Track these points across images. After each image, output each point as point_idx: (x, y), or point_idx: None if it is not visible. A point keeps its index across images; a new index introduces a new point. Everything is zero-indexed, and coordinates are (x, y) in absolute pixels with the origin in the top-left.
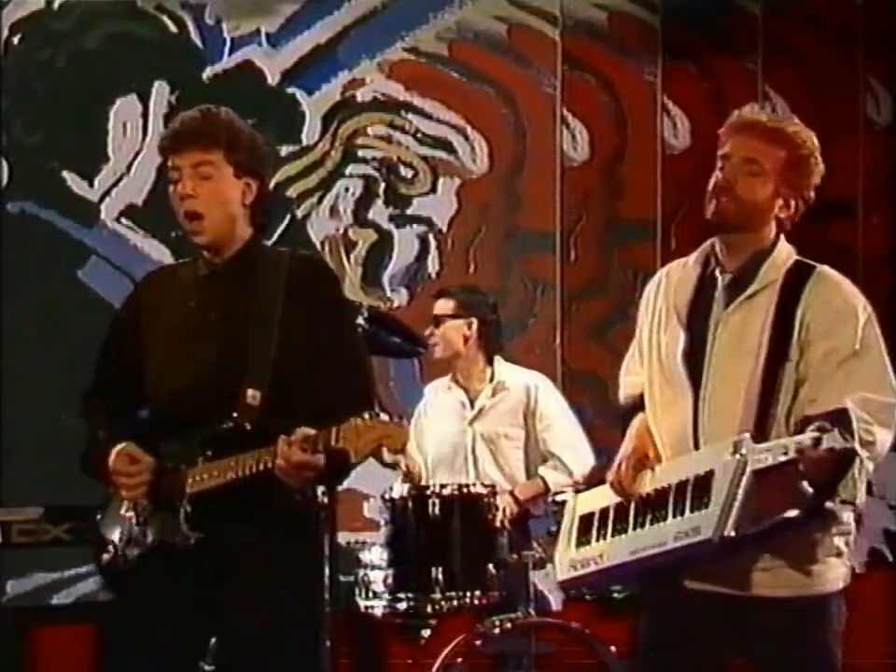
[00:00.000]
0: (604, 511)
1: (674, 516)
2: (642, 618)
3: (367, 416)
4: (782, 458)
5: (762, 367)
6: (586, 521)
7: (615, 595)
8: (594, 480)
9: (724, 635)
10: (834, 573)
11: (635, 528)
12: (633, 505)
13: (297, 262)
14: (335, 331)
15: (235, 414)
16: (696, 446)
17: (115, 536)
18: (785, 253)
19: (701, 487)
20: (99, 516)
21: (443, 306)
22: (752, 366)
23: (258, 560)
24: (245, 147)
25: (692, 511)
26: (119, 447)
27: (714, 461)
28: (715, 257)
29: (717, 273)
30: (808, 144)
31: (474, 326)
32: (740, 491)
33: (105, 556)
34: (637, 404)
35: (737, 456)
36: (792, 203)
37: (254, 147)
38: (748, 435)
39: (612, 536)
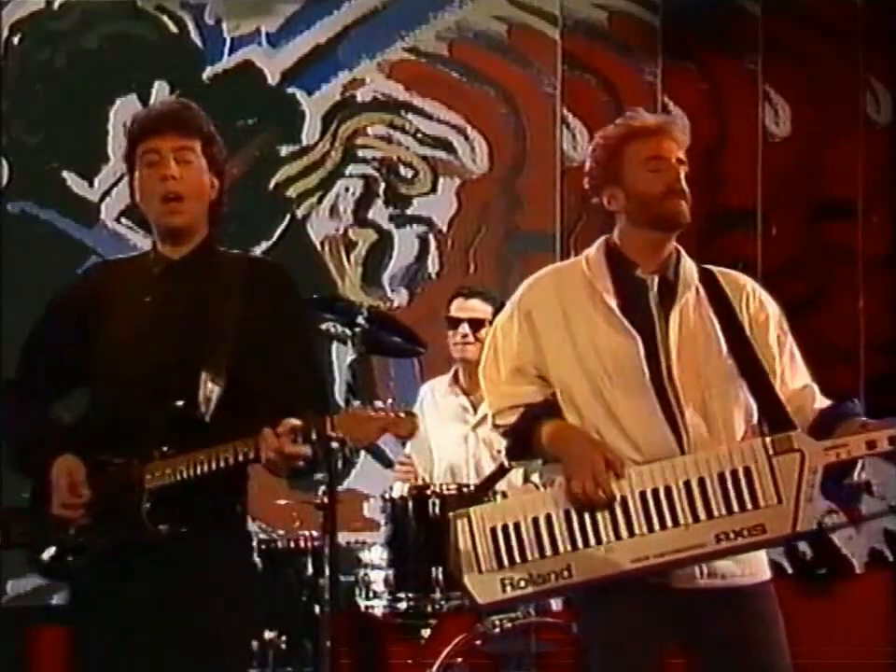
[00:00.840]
0: (538, 522)
1: (708, 517)
2: (596, 619)
3: (364, 405)
4: (867, 452)
5: (733, 360)
6: (505, 535)
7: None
8: None
9: (693, 628)
10: (763, 560)
11: (632, 535)
12: (600, 513)
13: (254, 264)
14: (291, 331)
15: (193, 407)
16: (681, 447)
17: (53, 535)
18: (686, 256)
19: (737, 486)
20: (31, 510)
21: (482, 309)
22: (720, 362)
23: (203, 568)
24: (217, 143)
25: (740, 511)
26: (60, 460)
27: (748, 458)
28: (624, 257)
29: (639, 273)
30: (687, 140)
31: None
32: (813, 487)
33: (46, 556)
34: (541, 410)
35: (796, 452)
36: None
37: (221, 147)
38: (799, 432)
39: (577, 547)
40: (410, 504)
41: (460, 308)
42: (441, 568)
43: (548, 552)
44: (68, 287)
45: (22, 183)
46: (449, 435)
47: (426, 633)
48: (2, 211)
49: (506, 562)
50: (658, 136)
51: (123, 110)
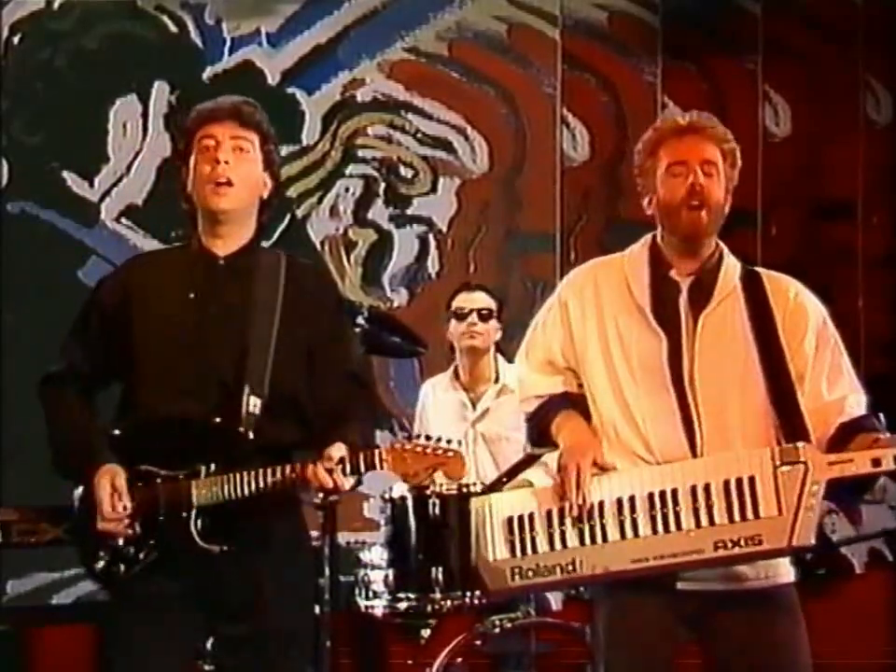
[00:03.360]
0: (551, 515)
1: (709, 523)
2: (610, 617)
3: (415, 441)
4: (872, 469)
5: (760, 369)
6: (520, 526)
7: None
8: None
9: (688, 628)
10: (787, 564)
11: (636, 535)
12: (610, 509)
13: (295, 267)
14: (334, 338)
15: (241, 429)
16: (693, 450)
17: (105, 543)
18: (732, 257)
19: (741, 494)
20: (80, 516)
21: (487, 302)
22: (743, 369)
23: (257, 563)
24: (275, 142)
25: (741, 520)
26: (104, 470)
27: (754, 467)
28: (663, 258)
29: (673, 275)
30: (731, 137)
31: (500, 328)
32: (814, 500)
33: (99, 564)
34: (558, 401)
35: (801, 464)
36: (729, 199)
37: (277, 148)
38: (806, 443)
39: (584, 543)
40: (410, 504)
41: (466, 300)
42: (440, 568)
43: (557, 545)
44: (109, 277)
45: (22, 183)
46: (449, 431)
47: (426, 633)
48: (2, 211)
49: (518, 551)
50: (684, 138)
51: (123, 110)
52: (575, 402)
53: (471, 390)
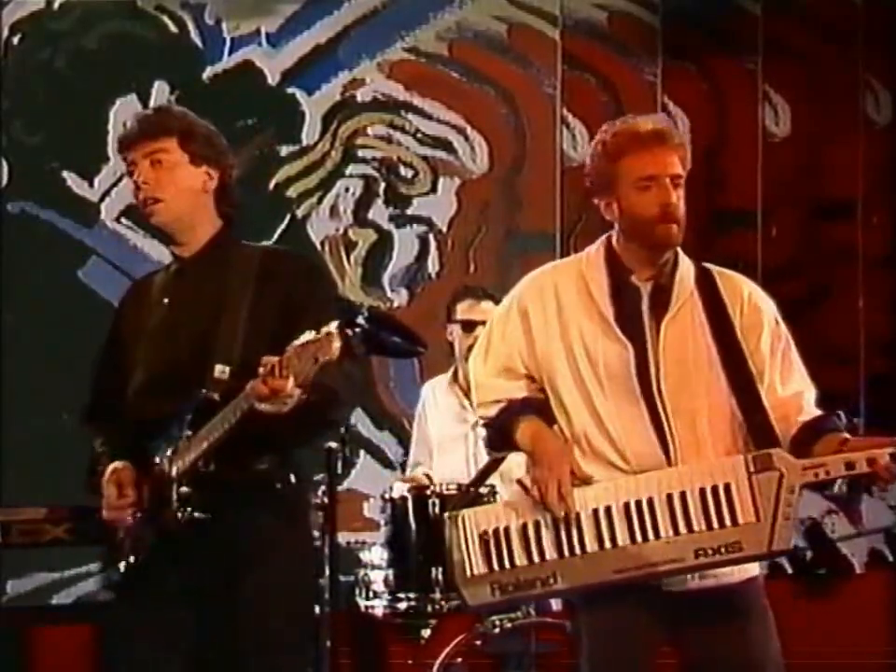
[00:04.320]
0: (527, 528)
1: (688, 531)
2: (589, 619)
3: (303, 338)
4: (846, 473)
5: (724, 370)
6: (496, 539)
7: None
8: None
9: (686, 627)
10: None
11: (615, 546)
12: (587, 520)
13: (271, 255)
14: (307, 309)
15: (204, 391)
16: (668, 457)
17: (124, 545)
18: (685, 256)
19: (717, 502)
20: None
21: (492, 311)
22: (708, 373)
23: (247, 547)
24: (199, 135)
25: (719, 527)
26: (111, 469)
27: (729, 474)
28: (622, 263)
29: (634, 280)
30: (684, 139)
31: None
32: (791, 506)
33: (122, 565)
34: (521, 406)
35: (775, 471)
36: None
37: (209, 137)
38: (779, 450)
39: (563, 555)
40: (410, 504)
41: (474, 310)
42: (440, 568)
43: (535, 558)
44: (116, 308)
45: (22, 183)
46: (449, 433)
47: (426, 633)
48: (2, 211)
49: (495, 566)
50: (652, 149)
51: (123, 110)
52: (538, 408)
53: (470, 392)
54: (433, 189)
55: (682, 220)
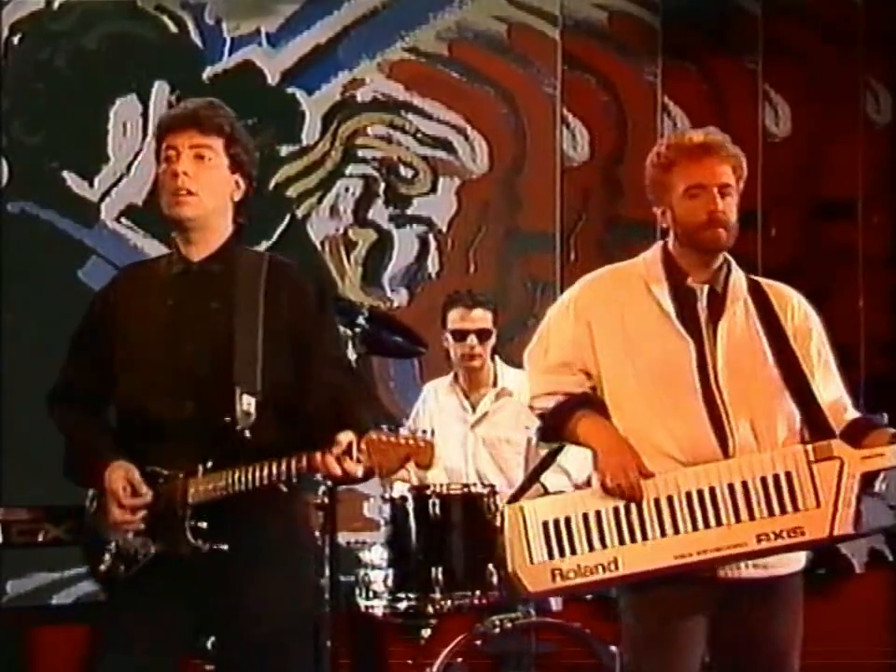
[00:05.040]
0: (588, 518)
1: (749, 518)
2: (636, 604)
3: (387, 431)
4: None
5: (778, 370)
6: (556, 528)
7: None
8: None
9: (726, 614)
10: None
11: (677, 532)
12: (649, 509)
13: (276, 267)
14: (319, 330)
15: (238, 427)
16: (725, 452)
17: (110, 544)
18: (737, 267)
19: (778, 490)
20: (88, 518)
21: (485, 318)
22: (765, 371)
23: (256, 561)
24: (243, 143)
25: (781, 513)
26: (115, 465)
27: (789, 464)
28: (678, 266)
29: (690, 283)
30: (738, 150)
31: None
32: (852, 493)
33: (102, 566)
34: (579, 401)
35: (836, 459)
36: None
37: (249, 147)
38: (838, 440)
39: (625, 542)
40: (410, 504)
41: (465, 319)
42: (440, 568)
43: (596, 545)
44: (100, 291)
45: (22, 183)
46: (449, 435)
47: (426, 633)
48: (2, 211)
49: (556, 554)
50: (701, 159)
51: (123, 110)
52: (596, 404)
53: (471, 394)
54: (433, 189)
55: (732, 226)
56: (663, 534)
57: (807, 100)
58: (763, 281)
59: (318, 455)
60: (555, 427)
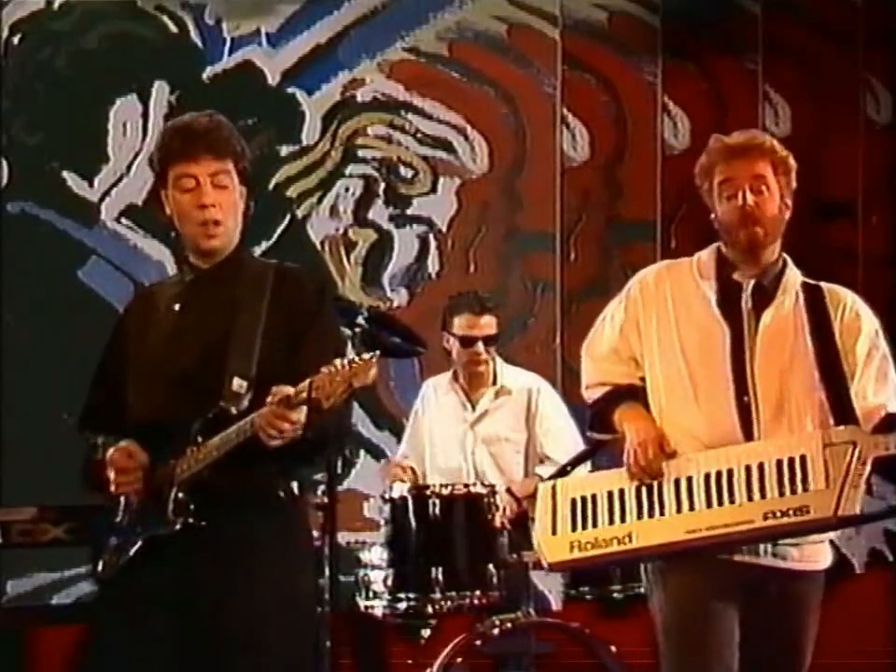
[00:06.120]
0: (612, 495)
1: (761, 497)
2: (668, 594)
3: (336, 362)
4: None
5: (816, 363)
6: (583, 504)
7: (615, 594)
8: None
9: (750, 602)
10: (829, 552)
11: (692, 509)
12: (668, 488)
13: (282, 270)
14: (317, 329)
15: (222, 403)
16: (748, 437)
17: (109, 544)
18: (795, 268)
19: (792, 471)
20: (94, 524)
21: (493, 323)
22: (803, 366)
23: (243, 555)
24: (245, 156)
25: (791, 493)
26: (116, 445)
27: (805, 447)
28: (728, 262)
29: (737, 277)
30: (783, 149)
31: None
32: (861, 475)
33: (101, 563)
34: (624, 392)
35: (849, 443)
36: (787, 207)
37: (246, 150)
38: (855, 426)
39: (642, 517)
40: (410, 504)
41: (474, 326)
42: (440, 568)
43: (616, 520)
44: (120, 316)
45: (22, 183)
46: (448, 432)
47: (426, 633)
48: (2, 211)
49: (579, 527)
50: (733, 159)
51: (123, 110)
52: (638, 395)
53: (470, 392)
54: (433, 189)
55: (770, 221)
56: (679, 511)
57: (807, 100)
58: (825, 285)
59: (258, 413)
60: (601, 418)
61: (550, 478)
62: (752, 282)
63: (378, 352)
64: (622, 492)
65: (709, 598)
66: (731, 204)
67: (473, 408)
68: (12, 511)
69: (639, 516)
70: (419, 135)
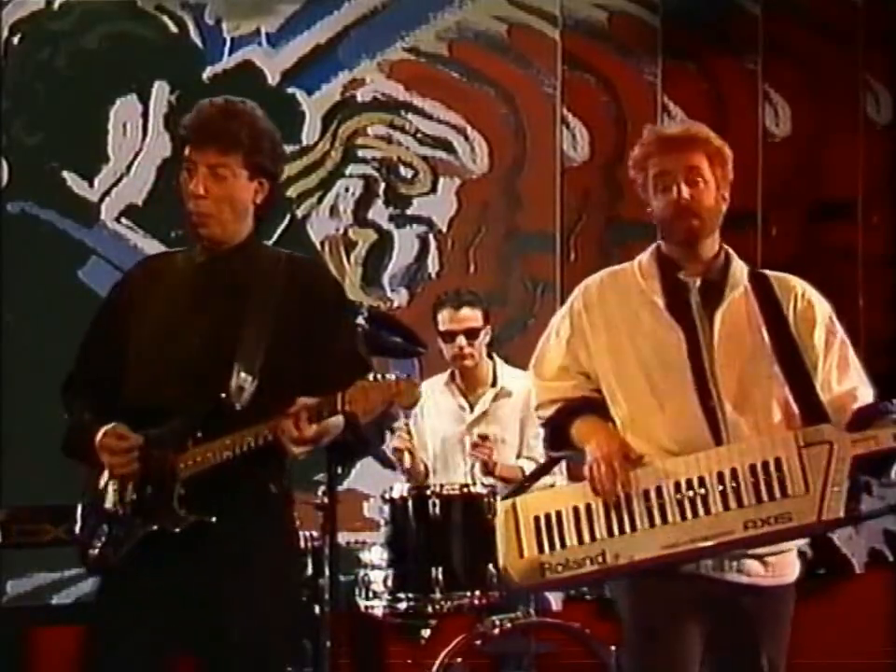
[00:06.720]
0: (578, 511)
1: (738, 506)
2: (632, 605)
3: (371, 377)
4: (895, 445)
5: (776, 358)
6: (548, 523)
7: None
8: None
9: (715, 618)
10: (796, 564)
11: (665, 522)
12: (638, 500)
13: (295, 262)
14: (331, 324)
15: (225, 396)
16: (718, 441)
17: (101, 531)
18: (739, 259)
19: (767, 476)
20: (81, 513)
21: (473, 316)
22: (762, 360)
23: (240, 550)
24: (265, 149)
25: (769, 500)
26: (107, 427)
27: (779, 449)
28: (670, 262)
29: (682, 276)
30: (718, 139)
31: (489, 332)
32: (843, 476)
33: (92, 553)
34: (578, 406)
35: (825, 444)
36: (724, 199)
37: (273, 148)
38: (829, 425)
39: (613, 534)
40: (410, 504)
41: (453, 320)
42: (440, 568)
43: (586, 539)
44: (116, 284)
45: (22, 183)
46: (446, 434)
47: (426, 633)
48: (2, 211)
49: (546, 548)
50: (668, 151)
51: (123, 110)
52: (594, 406)
53: (469, 393)
54: (433, 189)
55: (706, 213)
56: (651, 524)
57: (807, 100)
58: (770, 273)
59: (276, 421)
60: (558, 435)
61: (507, 496)
62: (699, 280)
63: (418, 378)
64: (588, 507)
65: (672, 614)
66: (666, 197)
67: (472, 409)
68: (12, 511)
69: (609, 533)
70: (419, 135)
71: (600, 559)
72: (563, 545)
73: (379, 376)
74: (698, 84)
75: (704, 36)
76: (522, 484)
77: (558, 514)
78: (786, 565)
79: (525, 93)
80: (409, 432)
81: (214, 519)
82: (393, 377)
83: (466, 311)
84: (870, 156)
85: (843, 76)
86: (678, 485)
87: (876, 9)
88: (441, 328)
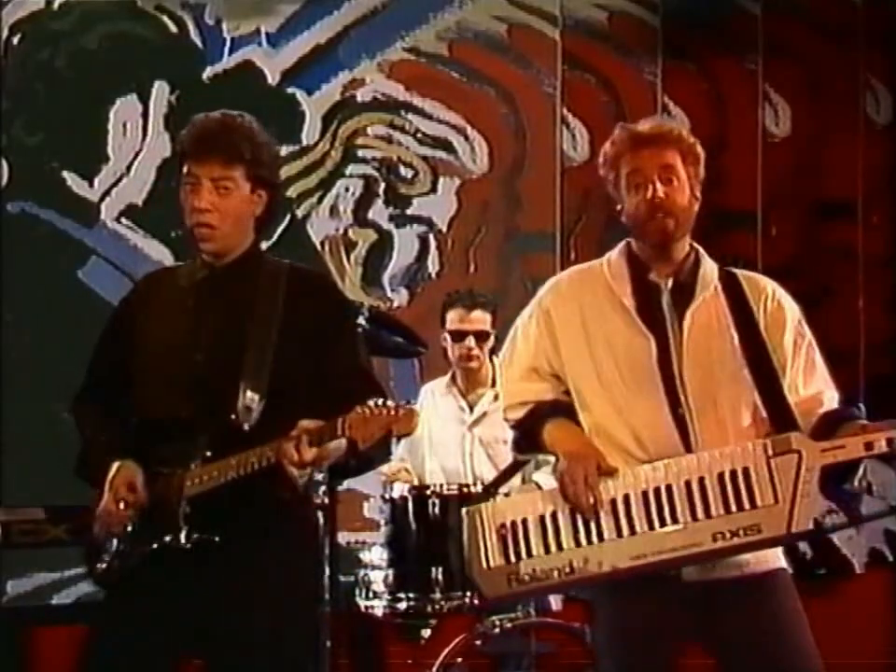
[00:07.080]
0: (544, 519)
1: (706, 516)
2: (607, 612)
3: (372, 403)
4: (865, 453)
5: (745, 360)
6: (513, 532)
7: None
8: None
9: (693, 618)
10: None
11: (633, 533)
12: (605, 510)
13: (297, 273)
14: (336, 340)
15: (233, 416)
16: (687, 447)
17: (109, 546)
18: (708, 258)
19: (735, 486)
20: (93, 518)
21: (484, 319)
22: (730, 364)
23: (253, 560)
24: (265, 161)
25: (738, 510)
26: (119, 463)
27: (747, 459)
28: (640, 262)
29: (652, 277)
30: (690, 137)
31: (494, 337)
32: (812, 486)
33: (100, 566)
34: (549, 409)
35: (794, 453)
36: (696, 199)
37: (272, 160)
38: (797, 433)
39: (580, 544)
40: (410, 504)
41: (463, 320)
42: (440, 568)
43: (552, 548)
44: (122, 299)
45: (22, 183)
46: (446, 435)
47: (426, 633)
48: (2, 211)
49: (512, 558)
50: (640, 149)
51: (123, 110)
52: (565, 410)
53: (469, 394)
54: (433, 189)
55: (679, 212)
56: (619, 535)
57: (807, 100)
58: (740, 273)
59: (278, 444)
60: (528, 438)
61: (472, 502)
62: (670, 281)
63: (415, 405)
64: (554, 515)
65: (652, 621)
66: (639, 196)
67: (472, 410)
68: (12, 512)
69: (577, 543)
70: (419, 135)
71: (567, 570)
72: (529, 554)
73: (380, 401)
74: (698, 84)
75: (704, 36)
76: (487, 490)
77: (524, 522)
78: (768, 551)
79: (525, 93)
80: (407, 471)
81: (217, 539)
82: (392, 404)
83: (478, 312)
84: (870, 156)
85: (843, 76)
86: (645, 494)
87: (876, 9)
88: (451, 326)
